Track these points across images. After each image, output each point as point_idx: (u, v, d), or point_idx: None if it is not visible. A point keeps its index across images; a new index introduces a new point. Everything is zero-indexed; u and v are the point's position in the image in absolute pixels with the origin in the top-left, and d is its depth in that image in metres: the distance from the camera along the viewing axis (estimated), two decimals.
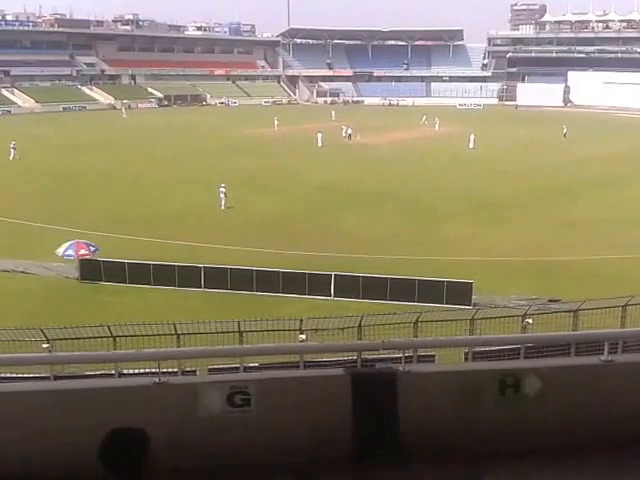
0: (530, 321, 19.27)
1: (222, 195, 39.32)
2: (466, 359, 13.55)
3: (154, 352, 7.53)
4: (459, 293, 24.42)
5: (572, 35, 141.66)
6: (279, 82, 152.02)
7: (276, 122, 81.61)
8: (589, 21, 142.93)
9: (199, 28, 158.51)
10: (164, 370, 6.04)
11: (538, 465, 5.91)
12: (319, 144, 65.78)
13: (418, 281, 24.97)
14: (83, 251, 27.26)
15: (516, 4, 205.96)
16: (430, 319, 18.14)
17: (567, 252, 30.68)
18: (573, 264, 29.04)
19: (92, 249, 27.68)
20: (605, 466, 5.94)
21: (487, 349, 15.33)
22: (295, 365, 9.23)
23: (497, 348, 15.28)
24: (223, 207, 39.22)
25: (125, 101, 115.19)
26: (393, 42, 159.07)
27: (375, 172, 51.70)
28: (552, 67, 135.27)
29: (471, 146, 64.89)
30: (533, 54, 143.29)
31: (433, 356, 14.18)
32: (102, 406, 5.61)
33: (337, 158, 59.39)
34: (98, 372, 12.66)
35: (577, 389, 6.14)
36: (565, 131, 73.27)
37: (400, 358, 6.20)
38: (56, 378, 10.81)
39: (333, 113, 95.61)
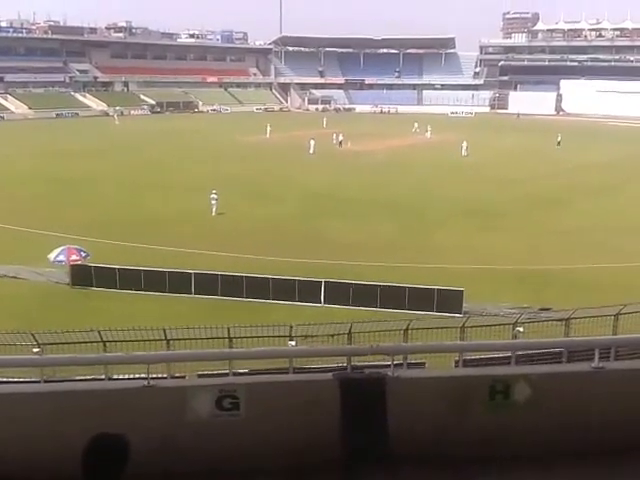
0: (521, 329, 19.25)
1: (213, 201, 39.30)
2: (456, 367, 13.53)
3: (143, 355, 7.51)
4: (450, 301, 24.40)
5: (565, 43, 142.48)
6: (271, 89, 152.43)
7: (268, 129, 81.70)
8: (582, 29, 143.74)
9: (192, 36, 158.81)
10: (153, 376, 6.01)
11: (528, 471, 5.91)
12: (311, 151, 65.88)
13: (409, 288, 24.94)
14: (74, 257, 27.24)
15: (508, 12, 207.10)
16: (420, 327, 18.12)
17: (559, 260, 30.70)
18: (565, 272, 29.05)
19: (83, 255, 27.65)
20: (596, 473, 5.94)
21: (478, 357, 15.30)
22: (284, 371, 9.23)
23: (488, 356, 15.26)
24: (214, 213, 39.19)
25: (117, 108, 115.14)
26: (385, 50, 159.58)
27: (366, 179, 51.77)
28: (544, 75, 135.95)
29: (464, 153, 65.10)
30: (525, 62, 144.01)
31: (423, 364, 14.17)
32: (91, 409, 5.59)
33: (329, 165, 59.46)
34: (88, 377, 12.62)
35: (567, 396, 6.14)
36: (559, 139, 73.50)
37: (390, 364, 6.20)
38: (46, 382, 10.76)
39: (324, 120, 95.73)
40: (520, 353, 15.59)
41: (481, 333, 18.11)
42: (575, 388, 6.20)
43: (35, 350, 15.92)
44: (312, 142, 66.50)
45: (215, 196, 39.43)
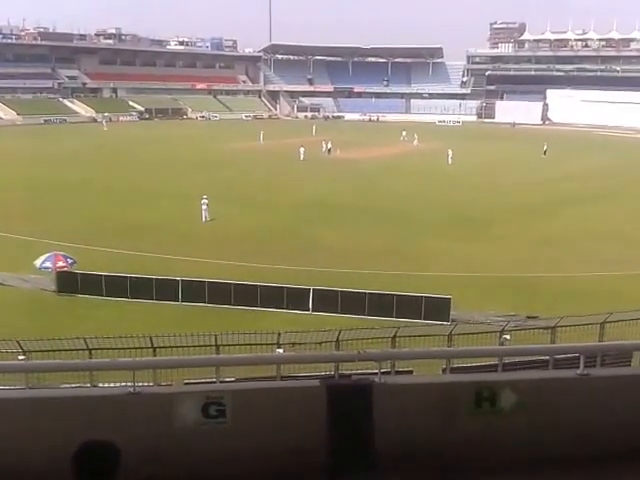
0: (508, 337, 19.29)
1: (204, 207, 39.25)
2: (444, 374, 13.52)
3: (129, 361, 7.48)
4: (437, 309, 24.40)
5: (551, 53, 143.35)
6: (260, 97, 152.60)
7: (262, 136, 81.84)
8: (568, 40, 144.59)
9: (181, 43, 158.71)
10: (139, 384, 5.98)
11: (514, 477, 5.91)
12: (301, 158, 66.19)
13: (396, 296, 24.94)
14: (60, 263, 27.12)
15: (495, 22, 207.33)
16: (408, 334, 18.11)
17: (545, 268, 30.80)
18: (551, 280, 29.17)
19: (69, 261, 27.55)
20: (582, 478, 5.95)
21: (465, 365, 15.31)
22: (272, 378, 9.19)
23: (475, 364, 15.27)
24: (204, 220, 39.13)
25: (106, 114, 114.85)
26: (373, 59, 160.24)
27: (355, 186, 51.91)
28: (531, 85, 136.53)
29: (449, 162, 65.38)
30: (512, 72, 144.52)
31: (411, 371, 14.14)
32: (76, 415, 5.55)
33: (318, 172, 59.59)
34: (73, 385, 12.54)
35: (553, 402, 6.16)
36: (545, 148, 73.83)
37: (377, 372, 6.19)
38: (31, 389, 10.69)
39: (314, 128, 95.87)
40: (507, 360, 15.60)
41: (468, 341, 18.11)
42: (561, 394, 6.22)
43: (20, 357, 15.82)
44: (302, 149, 66.91)
45: (206, 202, 39.38)
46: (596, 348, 10.89)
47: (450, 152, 66.28)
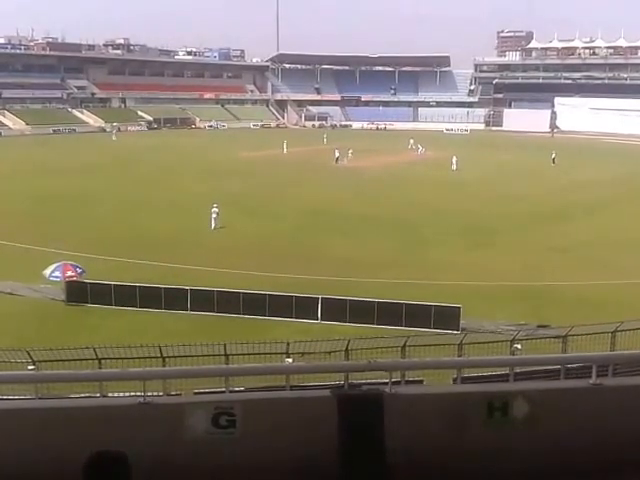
0: (519, 346, 19.25)
1: (214, 215, 39.25)
2: (454, 384, 13.47)
3: (139, 371, 7.45)
4: (447, 317, 24.36)
5: (559, 61, 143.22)
6: (268, 106, 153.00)
7: (285, 145, 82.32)
8: (576, 47, 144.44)
9: (189, 53, 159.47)
10: (149, 394, 5.96)
11: None
12: (337, 161, 69.49)
13: (406, 305, 24.90)
14: (70, 273, 27.20)
15: (503, 31, 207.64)
16: (418, 343, 18.08)
17: (556, 277, 30.70)
18: (562, 289, 29.05)
19: (79, 271, 27.62)
20: None
21: (475, 375, 15.25)
22: (281, 388, 9.17)
23: (486, 373, 15.22)
24: (213, 228, 39.13)
25: (115, 124, 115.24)
26: (381, 68, 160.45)
27: (363, 195, 51.88)
28: (538, 93, 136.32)
29: (454, 168, 65.76)
30: (520, 80, 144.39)
31: (421, 381, 14.12)
32: (86, 425, 5.53)
33: (329, 181, 59.72)
34: (83, 395, 12.52)
35: (566, 412, 6.10)
36: (554, 156, 73.65)
37: (388, 381, 6.15)
38: (40, 399, 10.69)
39: (324, 137, 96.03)
40: (518, 370, 15.57)
41: (479, 350, 18.07)
42: (573, 404, 6.16)
43: (30, 367, 15.85)
44: (337, 152, 71.31)
45: (216, 210, 39.39)
46: (608, 357, 10.80)
47: (455, 159, 66.56)
